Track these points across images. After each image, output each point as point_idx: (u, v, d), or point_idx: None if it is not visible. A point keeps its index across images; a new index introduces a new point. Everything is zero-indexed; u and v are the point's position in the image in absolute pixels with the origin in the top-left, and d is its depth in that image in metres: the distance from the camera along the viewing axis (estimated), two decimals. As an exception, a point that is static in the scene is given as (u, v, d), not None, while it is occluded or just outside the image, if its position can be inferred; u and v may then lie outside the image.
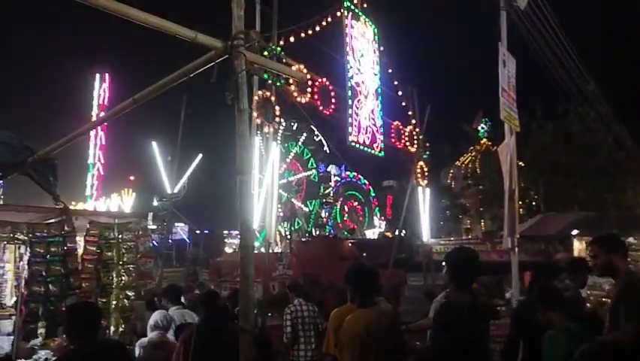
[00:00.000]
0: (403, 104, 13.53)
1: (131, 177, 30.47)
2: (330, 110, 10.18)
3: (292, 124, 25.51)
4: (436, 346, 3.32)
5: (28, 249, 4.72)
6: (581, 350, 3.00)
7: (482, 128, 29.80)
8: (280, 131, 20.94)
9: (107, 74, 32.28)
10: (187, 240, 29.58)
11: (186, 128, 15.08)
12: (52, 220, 4.68)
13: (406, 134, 13.11)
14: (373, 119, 11.74)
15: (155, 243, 27.30)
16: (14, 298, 6.30)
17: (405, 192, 13.96)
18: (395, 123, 12.85)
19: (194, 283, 14.40)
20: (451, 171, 29.95)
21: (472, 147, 30.46)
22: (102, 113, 31.16)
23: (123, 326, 5.05)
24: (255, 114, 8.45)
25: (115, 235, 5.16)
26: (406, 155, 13.37)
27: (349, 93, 10.99)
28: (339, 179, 27.24)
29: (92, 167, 31.45)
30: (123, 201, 29.01)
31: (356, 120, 11.05)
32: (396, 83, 13.20)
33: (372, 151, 11.52)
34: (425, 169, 13.78)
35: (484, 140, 29.88)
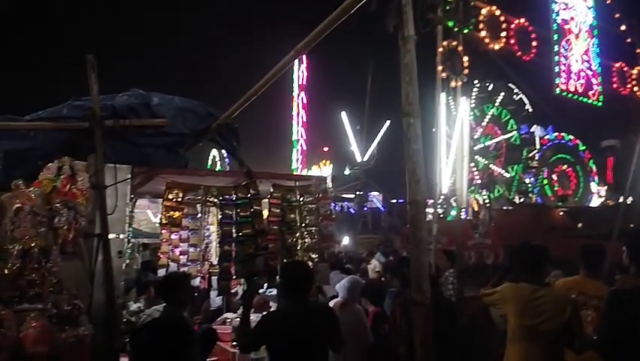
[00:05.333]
0: (628, 40, 11.08)
1: (325, 149, 32.17)
2: (531, 56, 8.83)
3: (487, 84, 23.46)
4: (599, 335, 3.35)
5: (219, 211, 5.03)
6: None
7: None
8: (474, 93, 19.39)
9: (304, 56, 34.34)
10: (382, 208, 30.11)
11: (374, 95, 14.96)
12: (239, 184, 4.88)
13: (634, 77, 10.74)
14: (587, 61, 9.82)
15: (352, 210, 28.53)
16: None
17: (633, 149, 11.48)
18: (618, 65, 10.62)
19: (389, 249, 14.87)
20: (699, 122, 23.95)
21: None
22: (302, 93, 33.66)
23: (308, 288, 5.06)
24: (439, 68, 7.72)
25: (297, 197, 5.20)
26: (634, 103, 11.01)
27: (555, 36, 9.41)
28: (538, 147, 23.99)
29: (295, 143, 34.29)
30: (321, 172, 30.90)
31: (564, 65, 9.38)
32: (617, 16, 10.85)
33: (588, 100, 9.71)
34: (662, 119, 11.15)
35: None
